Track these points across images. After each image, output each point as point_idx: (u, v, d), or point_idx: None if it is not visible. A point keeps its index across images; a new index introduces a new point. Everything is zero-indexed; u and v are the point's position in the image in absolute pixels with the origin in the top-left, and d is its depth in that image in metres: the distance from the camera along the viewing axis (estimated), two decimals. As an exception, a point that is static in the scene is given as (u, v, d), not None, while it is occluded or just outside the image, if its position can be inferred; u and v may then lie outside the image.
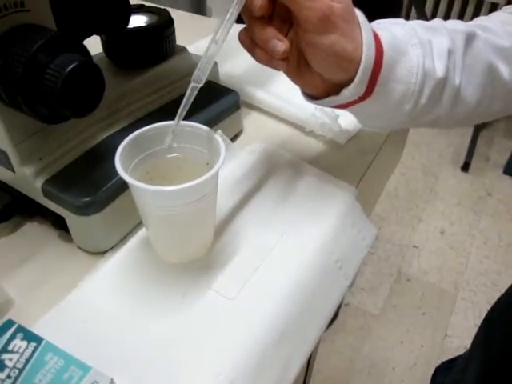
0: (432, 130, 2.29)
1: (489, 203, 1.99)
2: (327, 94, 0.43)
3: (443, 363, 0.79)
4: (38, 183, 0.42)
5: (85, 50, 0.39)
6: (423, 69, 0.40)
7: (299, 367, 0.39)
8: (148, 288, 0.41)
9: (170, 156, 0.41)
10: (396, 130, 0.62)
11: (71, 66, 0.34)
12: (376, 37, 0.40)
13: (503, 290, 1.65)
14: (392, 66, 0.40)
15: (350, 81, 0.40)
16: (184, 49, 0.58)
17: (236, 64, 0.70)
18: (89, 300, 0.40)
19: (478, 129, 2.27)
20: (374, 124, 0.48)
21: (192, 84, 0.38)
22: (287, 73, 0.43)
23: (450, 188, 2.05)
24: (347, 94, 0.41)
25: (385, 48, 0.40)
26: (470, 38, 0.43)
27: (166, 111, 0.52)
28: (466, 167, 2.13)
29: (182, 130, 0.40)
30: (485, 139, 2.29)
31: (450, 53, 0.42)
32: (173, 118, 0.39)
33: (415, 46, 0.41)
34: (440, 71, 0.41)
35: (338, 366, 1.42)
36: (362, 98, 0.41)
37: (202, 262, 0.43)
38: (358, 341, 1.48)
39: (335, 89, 0.42)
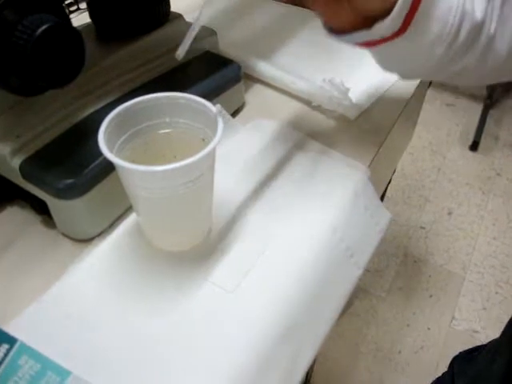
0: (439, 108, 2.23)
1: (498, 183, 1.94)
2: (354, 29, 0.38)
3: (461, 353, 0.76)
4: (16, 163, 0.38)
5: (62, 12, 0.34)
6: (463, 8, 0.37)
7: (306, 366, 0.35)
8: (139, 280, 0.37)
9: (161, 132, 0.37)
10: (410, 105, 0.58)
11: (43, 27, 0.29)
12: None
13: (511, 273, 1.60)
14: (430, 3, 0.36)
15: (384, 12, 0.36)
16: (179, 16, 0.53)
17: (237, 33, 0.65)
18: (73, 294, 0.36)
19: (487, 107, 2.21)
20: (397, 68, 0.44)
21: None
22: (311, 1, 0.38)
23: (458, 168, 2.00)
24: (381, 28, 0.36)
25: None
26: None
27: (160, 84, 0.47)
28: (474, 146, 2.07)
29: (174, 103, 0.36)
30: (494, 118, 2.23)
31: None
32: (167, 91, 0.35)
33: None
34: (479, 14, 0.37)
35: (343, 349, 1.39)
36: (394, 35, 0.37)
37: (199, 250, 0.39)
38: (364, 324, 1.45)
39: (364, 23, 0.37)
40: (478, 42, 0.39)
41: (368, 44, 0.39)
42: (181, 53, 0.36)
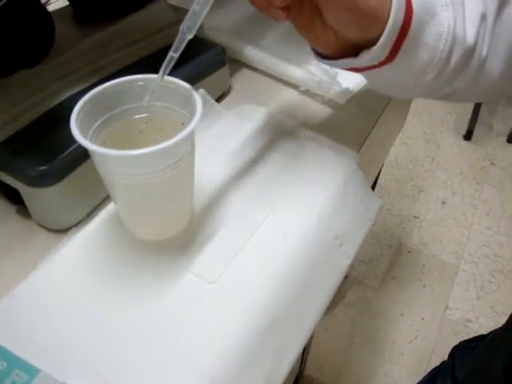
0: (434, 98, 2.21)
1: (492, 173, 1.93)
2: (340, 54, 0.37)
3: (461, 343, 0.75)
4: (-15, 150, 0.36)
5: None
6: (453, 34, 0.35)
7: (292, 361, 0.34)
8: (117, 271, 0.35)
9: (138, 116, 0.35)
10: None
11: (4, 1, 0.27)
12: None
13: (505, 262, 1.60)
14: (420, 30, 0.34)
15: (370, 42, 0.34)
16: (162, -3, 0.51)
17: (223, 18, 0.63)
18: (47, 286, 0.34)
19: (481, 96, 2.19)
20: (386, 91, 0.43)
21: (180, 35, 0.32)
22: (295, 24, 0.37)
23: (451, 157, 1.99)
24: (366, 58, 0.35)
25: (414, 7, 0.33)
26: (502, 4, 0.38)
27: (140, 67, 0.45)
28: (468, 136, 2.06)
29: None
30: (488, 107, 2.22)
31: (483, 18, 0.37)
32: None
33: (447, 6, 0.35)
34: (470, 38, 0.36)
35: (337, 339, 1.39)
36: (381, 64, 0.36)
37: (180, 239, 0.37)
38: (358, 314, 1.45)
39: (350, 48, 0.36)
40: (469, 65, 0.37)
41: (354, 69, 0.38)
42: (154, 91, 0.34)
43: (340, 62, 0.37)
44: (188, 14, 0.32)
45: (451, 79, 0.38)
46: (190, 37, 0.33)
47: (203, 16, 0.32)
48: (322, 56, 0.39)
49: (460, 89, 0.39)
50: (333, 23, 0.34)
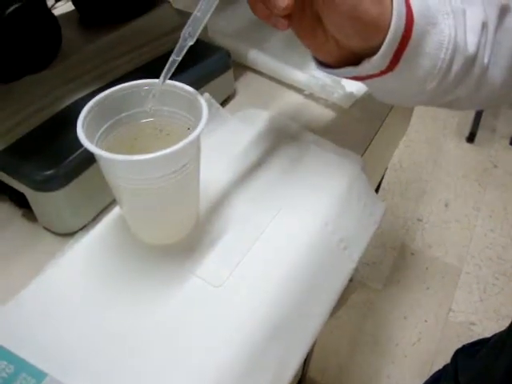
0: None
1: (495, 175, 1.93)
2: (342, 62, 0.37)
3: (465, 346, 0.75)
4: (-8, 154, 0.36)
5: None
6: (454, 43, 0.35)
7: (296, 366, 0.34)
8: (122, 275, 0.36)
9: (144, 121, 0.35)
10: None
11: (13, 7, 0.27)
12: (406, 1, 0.34)
13: (508, 265, 1.60)
14: (421, 39, 0.34)
15: (371, 50, 0.34)
16: (166, 2, 0.51)
17: (228, 22, 0.63)
18: (52, 290, 0.34)
19: (484, 98, 2.19)
20: (388, 99, 0.43)
21: (181, 41, 0.32)
22: (297, 32, 0.37)
23: (454, 160, 1.98)
24: (368, 66, 0.35)
25: (415, 16, 0.33)
26: (503, 12, 0.38)
27: (145, 72, 0.46)
28: (471, 138, 2.06)
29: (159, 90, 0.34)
30: (491, 110, 2.21)
31: (484, 27, 0.36)
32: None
33: (448, 15, 0.35)
34: (471, 47, 0.36)
35: (340, 341, 1.38)
36: (382, 73, 0.36)
37: (185, 243, 0.37)
38: (361, 316, 1.45)
39: (351, 57, 0.36)
40: (470, 74, 0.37)
41: (356, 78, 0.38)
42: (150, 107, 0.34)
43: (341, 70, 0.38)
44: (189, 20, 0.32)
45: (453, 88, 0.38)
46: (191, 43, 0.33)
47: (205, 22, 0.32)
48: (324, 65, 0.39)
49: (462, 97, 0.40)
50: (334, 32, 0.34)
